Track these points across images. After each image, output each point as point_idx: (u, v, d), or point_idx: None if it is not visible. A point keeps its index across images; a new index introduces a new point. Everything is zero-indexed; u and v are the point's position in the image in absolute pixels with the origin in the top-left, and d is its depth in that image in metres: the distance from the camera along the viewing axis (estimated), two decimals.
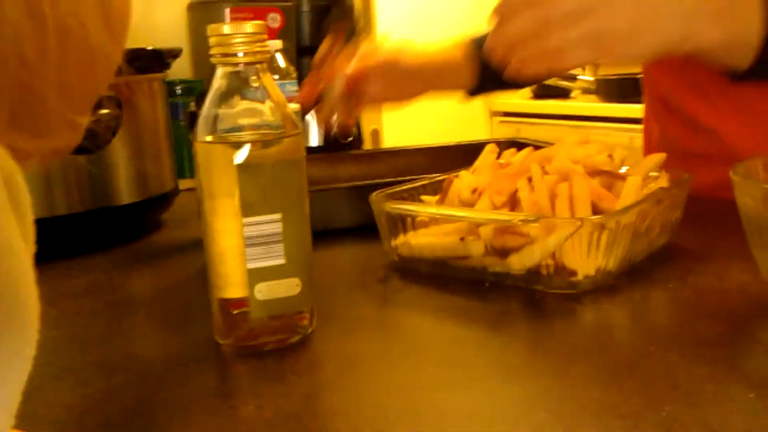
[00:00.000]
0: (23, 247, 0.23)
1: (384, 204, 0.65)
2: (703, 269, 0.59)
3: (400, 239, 0.65)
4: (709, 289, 0.56)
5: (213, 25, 0.50)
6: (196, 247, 0.75)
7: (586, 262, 0.55)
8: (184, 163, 1.14)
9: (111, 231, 0.82)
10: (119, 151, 0.82)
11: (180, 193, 0.93)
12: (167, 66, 0.91)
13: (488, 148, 0.74)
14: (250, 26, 0.50)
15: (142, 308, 0.62)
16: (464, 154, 0.93)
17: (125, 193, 0.83)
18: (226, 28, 0.50)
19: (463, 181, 0.66)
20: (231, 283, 0.50)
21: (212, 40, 0.50)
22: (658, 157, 0.68)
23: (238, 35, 0.49)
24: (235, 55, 0.50)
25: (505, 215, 0.59)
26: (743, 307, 0.52)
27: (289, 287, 0.49)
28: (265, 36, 0.51)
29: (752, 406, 0.38)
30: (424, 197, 0.71)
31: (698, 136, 0.87)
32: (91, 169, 0.80)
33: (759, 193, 0.47)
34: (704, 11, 0.66)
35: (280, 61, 1.01)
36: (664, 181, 0.67)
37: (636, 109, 2.34)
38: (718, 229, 0.69)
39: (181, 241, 0.82)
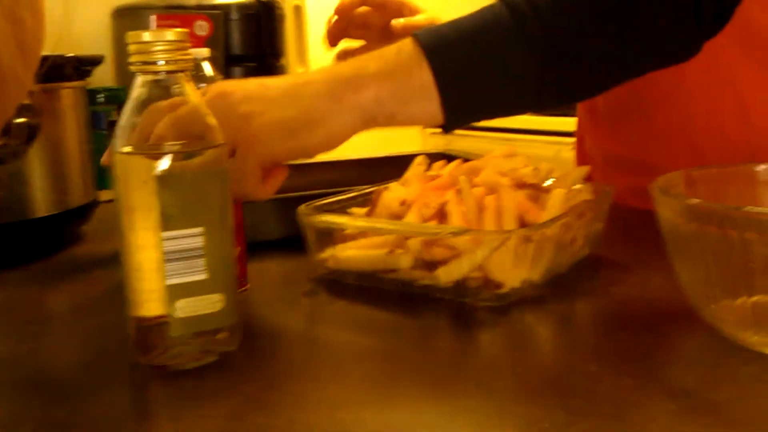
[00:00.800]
0: None
1: (312, 217, 0.64)
2: (624, 280, 0.61)
3: (328, 252, 0.64)
4: (630, 300, 0.57)
5: (132, 33, 0.48)
6: (117, 261, 0.72)
7: (513, 274, 0.56)
8: (105, 173, 1.11)
9: (27, 245, 0.79)
10: (36, 162, 0.79)
11: (100, 204, 0.90)
12: (88, 74, 0.88)
13: (417, 160, 0.74)
14: (171, 34, 0.48)
15: (58, 326, 0.60)
16: (395, 167, 0.93)
17: (42, 206, 0.80)
18: (146, 36, 0.48)
19: (392, 193, 0.66)
20: (149, 300, 0.48)
21: (132, 48, 0.48)
22: (582, 170, 0.69)
23: (158, 43, 0.48)
24: (155, 63, 0.48)
25: (433, 228, 0.59)
26: (664, 319, 0.53)
27: (210, 303, 0.48)
28: (188, 44, 0.50)
29: (673, 416, 0.39)
30: (352, 209, 0.70)
31: (624, 147, 0.89)
32: (5, 180, 0.77)
33: (678, 207, 0.48)
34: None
35: (208, 69, 0.99)
36: (587, 194, 0.68)
37: (562, 122, 2.39)
38: (640, 240, 0.71)
39: (101, 254, 0.79)
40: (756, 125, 0.80)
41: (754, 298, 0.46)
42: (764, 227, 0.43)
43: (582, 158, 1.02)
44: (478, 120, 0.63)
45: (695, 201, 0.49)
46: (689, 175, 0.55)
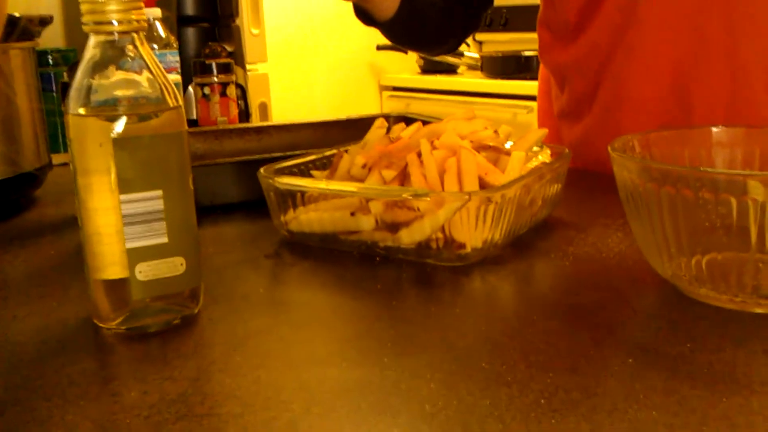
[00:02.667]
0: None
1: (273, 179, 0.64)
2: (582, 240, 0.62)
3: (290, 214, 0.64)
4: (588, 259, 0.58)
5: None
6: (72, 225, 0.71)
7: (474, 234, 0.56)
8: (58, 137, 1.08)
9: None
10: None
11: (54, 168, 0.88)
12: (37, 34, 0.85)
13: (377, 122, 0.74)
14: None
15: (14, 291, 0.58)
16: (354, 129, 0.93)
17: None
18: None
19: (353, 156, 0.66)
20: (109, 264, 0.47)
21: (84, 8, 0.47)
22: (540, 132, 0.70)
23: (111, 2, 0.47)
24: (109, 23, 0.47)
25: (395, 190, 0.59)
26: (620, 277, 0.54)
27: (172, 267, 0.48)
28: (141, 3, 0.48)
29: (630, 370, 0.40)
30: (313, 172, 0.70)
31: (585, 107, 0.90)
32: None
33: (635, 167, 0.48)
34: None
35: (160, 30, 0.97)
36: (546, 156, 0.69)
37: (518, 86, 2.41)
38: (598, 201, 0.72)
39: (55, 219, 0.77)
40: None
41: (709, 256, 0.47)
42: (719, 187, 0.44)
43: (543, 117, 1.03)
44: None
45: (651, 162, 0.50)
46: (645, 137, 0.56)
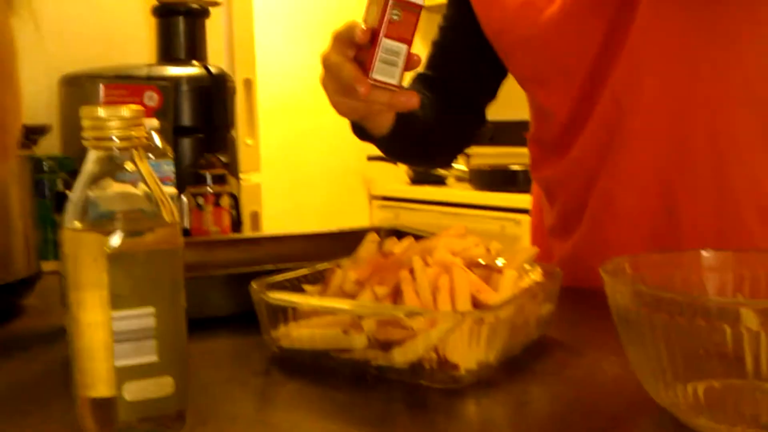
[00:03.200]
0: None
1: (265, 294, 0.63)
2: (577, 363, 0.61)
3: (281, 330, 0.63)
4: (584, 383, 0.57)
5: (87, 107, 0.48)
6: (59, 337, 0.70)
7: (468, 355, 0.56)
8: (48, 244, 1.08)
9: None
10: None
11: (43, 276, 0.87)
12: (34, 143, 0.87)
13: (369, 236, 0.74)
14: (126, 110, 0.48)
15: None
16: (345, 241, 0.93)
17: None
18: (101, 111, 0.47)
19: (345, 271, 0.66)
20: (97, 381, 0.46)
21: (85, 123, 0.48)
22: (531, 251, 0.70)
23: (113, 119, 0.47)
24: (109, 139, 0.47)
25: (388, 308, 0.58)
26: (616, 403, 0.53)
27: (161, 387, 0.46)
28: (142, 121, 0.49)
29: None
30: (305, 287, 0.70)
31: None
32: None
33: (627, 292, 0.49)
34: None
35: (156, 140, 0.98)
36: (537, 275, 0.69)
37: (506, 198, 2.44)
38: (591, 321, 0.72)
39: (42, 329, 0.76)
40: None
41: (706, 383, 0.47)
42: (712, 315, 0.44)
43: (537, 233, 1.04)
44: None
45: (644, 287, 0.50)
46: (635, 259, 0.56)
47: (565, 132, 0.90)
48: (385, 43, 0.70)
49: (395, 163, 2.77)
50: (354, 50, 0.73)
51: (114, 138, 0.47)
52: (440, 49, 1.00)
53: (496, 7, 0.87)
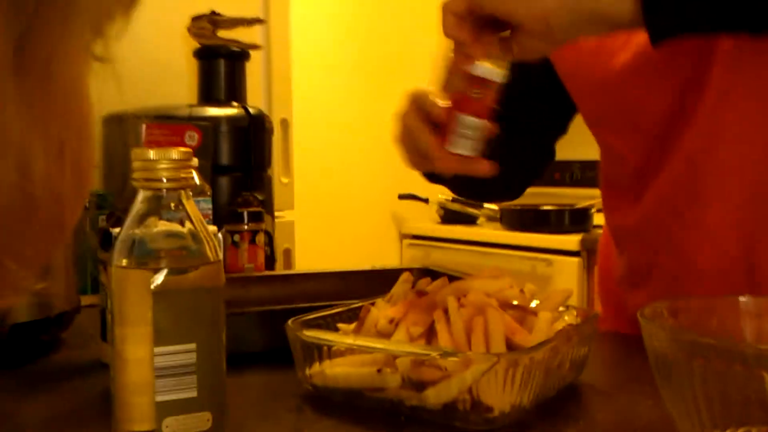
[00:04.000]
0: None
1: (300, 331, 0.64)
2: (612, 407, 0.61)
3: (315, 368, 0.64)
4: (618, 427, 0.57)
5: (137, 149, 0.50)
6: (97, 370, 0.71)
7: (502, 397, 0.56)
8: (87, 278, 1.10)
9: (5, 352, 0.77)
10: None
11: (82, 310, 0.89)
12: None
13: (403, 276, 0.75)
14: (175, 153, 0.50)
15: None
16: (378, 280, 0.94)
17: (22, 311, 0.79)
18: (151, 153, 0.49)
19: (380, 310, 0.66)
20: (138, 416, 0.47)
21: (136, 164, 0.50)
22: (566, 292, 0.70)
23: (163, 161, 0.49)
24: (158, 180, 0.49)
25: (422, 348, 0.59)
26: None
27: (199, 422, 0.47)
28: (191, 162, 0.51)
29: None
30: (340, 325, 0.71)
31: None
32: None
33: (665, 338, 0.49)
34: None
35: (195, 178, 1.00)
36: (571, 317, 0.69)
37: (537, 238, 2.43)
38: (627, 365, 0.71)
39: (80, 362, 0.77)
40: None
41: (743, 430, 0.47)
42: (749, 360, 0.44)
43: (604, 274, 1.02)
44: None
45: (681, 332, 0.51)
46: (673, 304, 0.56)
47: (637, 178, 0.88)
48: (462, 119, 0.69)
49: (426, 201, 2.79)
50: (430, 123, 0.72)
51: (163, 179, 0.49)
52: (511, 85, 0.99)
53: (570, 47, 0.85)
